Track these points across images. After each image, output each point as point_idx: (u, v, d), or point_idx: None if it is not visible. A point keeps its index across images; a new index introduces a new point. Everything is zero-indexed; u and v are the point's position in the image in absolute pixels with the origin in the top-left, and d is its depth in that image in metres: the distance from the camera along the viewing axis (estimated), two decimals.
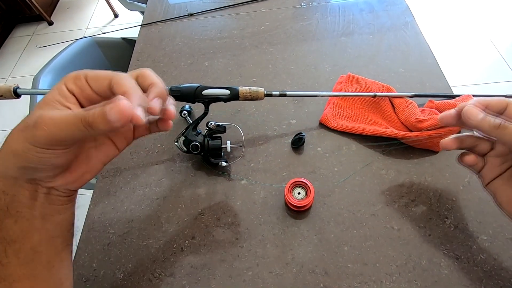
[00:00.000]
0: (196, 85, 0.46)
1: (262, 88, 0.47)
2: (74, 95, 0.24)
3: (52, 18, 2.32)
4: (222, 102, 0.47)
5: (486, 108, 0.31)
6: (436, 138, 0.45)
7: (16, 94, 0.43)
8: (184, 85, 0.46)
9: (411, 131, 0.48)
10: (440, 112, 0.47)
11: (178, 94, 0.45)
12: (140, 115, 0.22)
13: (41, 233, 0.26)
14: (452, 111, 0.33)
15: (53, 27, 2.31)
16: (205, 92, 0.46)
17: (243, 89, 0.47)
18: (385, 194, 0.45)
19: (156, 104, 0.24)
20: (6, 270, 0.25)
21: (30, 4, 2.12)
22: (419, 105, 0.51)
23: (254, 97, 0.47)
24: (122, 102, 0.21)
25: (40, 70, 0.74)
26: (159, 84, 0.26)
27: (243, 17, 0.73)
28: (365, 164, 0.48)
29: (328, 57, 0.62)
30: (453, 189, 0.44)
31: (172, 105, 0.28)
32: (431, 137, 0.45)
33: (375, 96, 0.50)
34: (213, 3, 0.78)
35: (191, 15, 0.75)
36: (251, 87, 0.47)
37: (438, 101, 0.49)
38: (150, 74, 0.27)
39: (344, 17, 0.69)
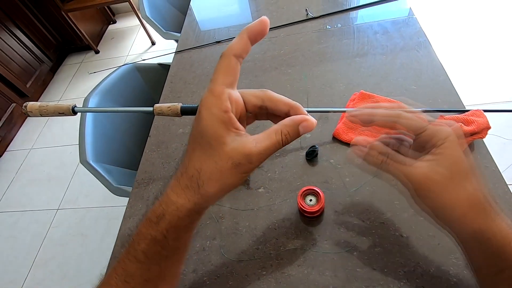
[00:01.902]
0: None
1: None
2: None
3: (98, 47, 2.61)
4: None
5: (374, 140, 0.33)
6: None
7: (74, 111, 0.52)
8: None
9: None
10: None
11: None
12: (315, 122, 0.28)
13: (190, 240, 0.32)
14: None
15: (99, 55, 2.59)
16: None
17: None
18: (394, 203, 0.47)
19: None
20: (161, 271, 0.30)
21: (81, 36, 2.41)
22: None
23: None
24: (310, 120, 0.27)
25: (90, 92, 0.85)
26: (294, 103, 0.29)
27: (265, 42, 0.80)
28: (375, 174, 0.50)
29: (343, 76, 0.67)
30: None
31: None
32: None
33: None
34: (238, 31, 0.86)
35: (218, 42, 0.84)
36: None
37: (448, 116, 0.51)
38: (276, 96, 0.29)
39: (359, 39, 0.73)
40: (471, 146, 0.50)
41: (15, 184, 1.81)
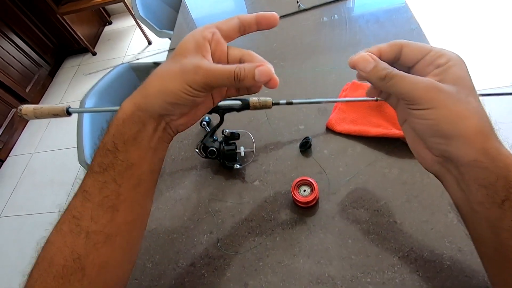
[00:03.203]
0: None
1: (270, 98, 0.53)
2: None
3: (95, 49, 2.61)
4: (236, 112, 0.53)
5: (381, 56, 0.29)
6: None
7: (68, 112, 0.53)
8: None
9: None
10: None
11: None
12: (277, 79, 0.28)
13: (149, 164, 0.31)
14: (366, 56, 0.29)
15: (96, 57, 2.59)
16: (220, 103, 0.52)
17: (253, 99, 0.52)
18: (388, 190, 0.47)
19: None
20: (119, 189, 0.29)
21: (78, 38, 2.42)
22: None
23: (263, 106, 0.52)
24: (269, 66, 0.27)
25: (86, 94, 0.86)
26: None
27: (257, 37, 0.80)
28: (368, 163, 0.51)
29: (335, 67, 0.67)
30: None
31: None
32: None
33: (377, 100, 0.53)
34: None
35: None
36: (260, 98, 0.53)
37: None
38: (255, 55, 0.31)
39: (351, 29, 0.73)
40: None
41: (19, 189, 1.83)
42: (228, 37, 0.30)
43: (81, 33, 2.42)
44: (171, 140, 0.33)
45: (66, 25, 2.30)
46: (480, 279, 0.37)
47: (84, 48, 2.53)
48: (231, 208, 0.51)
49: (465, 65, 0.27)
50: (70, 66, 2.58)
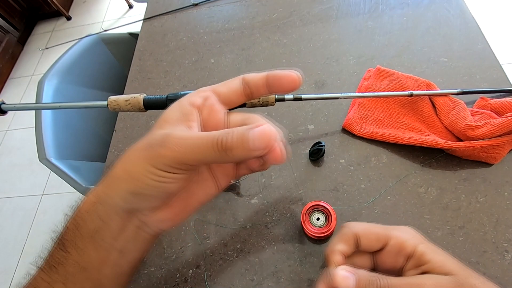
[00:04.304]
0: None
1: None
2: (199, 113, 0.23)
3: (70, 13, 2.33)
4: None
5: (345, 254, 0.27)
6: (493, 149, 0.36)
7: (1, 111, 0.39)
8: (182, 92, 0.40)
9: (458, 138, 0.39)
10: (498, 114, 0.37)
11: None
12: (283, 149, 0.21)
13: (113, 268, 0.24)
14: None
15: (71, 22, 2.32)
16: None
17: None
18: (424, 218, 0.37)
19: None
20: None
21: (49, 0, 2.13)
22: (468, 103, 0.42)
23: (264, 103, 0.40)
24: (268, 127, 0.19)
25: (44, 74, 0.71)
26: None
27: (253, 4, 0.64)
28: (398, 179, 0.40)
29: (352, 47, 0.53)
30: None
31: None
32: (485, 147, 0.36)
33: (411, 95, 0.41)
34: None
35: (195, 5, 0.68)
36: None
37: (494, 100, 0.39)
38: (260, 119, 0.24)
39: None
40: None
41: None
42: (229, 103, 0.25)
43: None
44: (155, 239, 0.26)
45: None
46: None
47: (56, 11, 2.25)
48: (223, 234, 0.41)
49: (431, 243, 0.25)
50: (43, 32, 2.31)
